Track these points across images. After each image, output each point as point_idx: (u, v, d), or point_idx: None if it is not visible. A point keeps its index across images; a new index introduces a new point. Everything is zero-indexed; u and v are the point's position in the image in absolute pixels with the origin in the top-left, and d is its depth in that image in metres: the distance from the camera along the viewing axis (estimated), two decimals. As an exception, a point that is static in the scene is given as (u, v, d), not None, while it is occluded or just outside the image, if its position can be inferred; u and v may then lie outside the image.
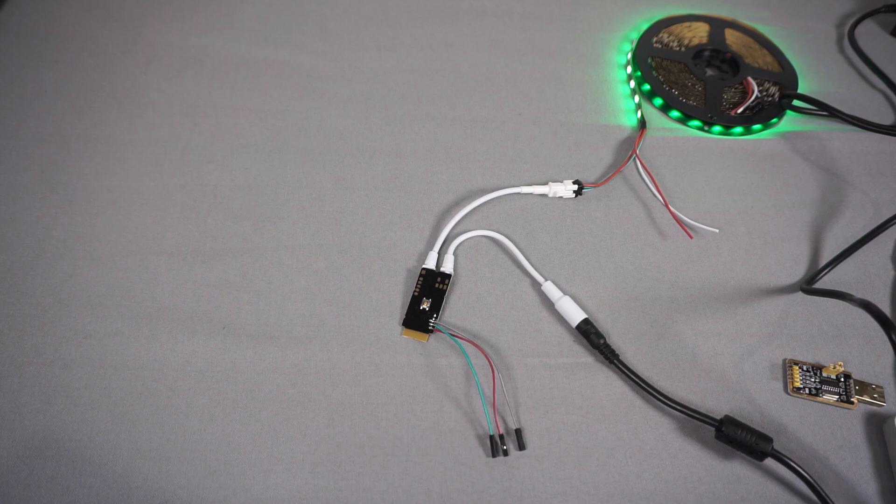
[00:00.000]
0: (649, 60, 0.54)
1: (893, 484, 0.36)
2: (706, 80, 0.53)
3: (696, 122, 0.51)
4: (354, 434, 0.36)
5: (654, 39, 0.56)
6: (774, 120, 0.51)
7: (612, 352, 0.39)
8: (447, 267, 0.42)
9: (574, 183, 0.46)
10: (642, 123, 0.51)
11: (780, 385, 0.39)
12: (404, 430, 0.37)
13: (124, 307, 0.40)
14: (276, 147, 0.48)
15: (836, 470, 0.36)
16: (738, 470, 0.36)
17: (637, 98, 0.52)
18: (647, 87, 0.53)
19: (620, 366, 0.38)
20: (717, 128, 0.51)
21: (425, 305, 0.40)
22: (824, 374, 0.39)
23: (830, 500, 0.34)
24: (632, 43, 0.56)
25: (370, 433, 0.36)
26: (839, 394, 0.38)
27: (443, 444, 0.36)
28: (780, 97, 0.52)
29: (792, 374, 0.39)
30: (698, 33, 0.57)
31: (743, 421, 0.36)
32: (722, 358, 0.40)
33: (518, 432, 0.36)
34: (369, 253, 0.43)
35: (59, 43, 0.53)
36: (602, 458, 0.36)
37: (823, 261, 0.44)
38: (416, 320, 0.40)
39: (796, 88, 0.53)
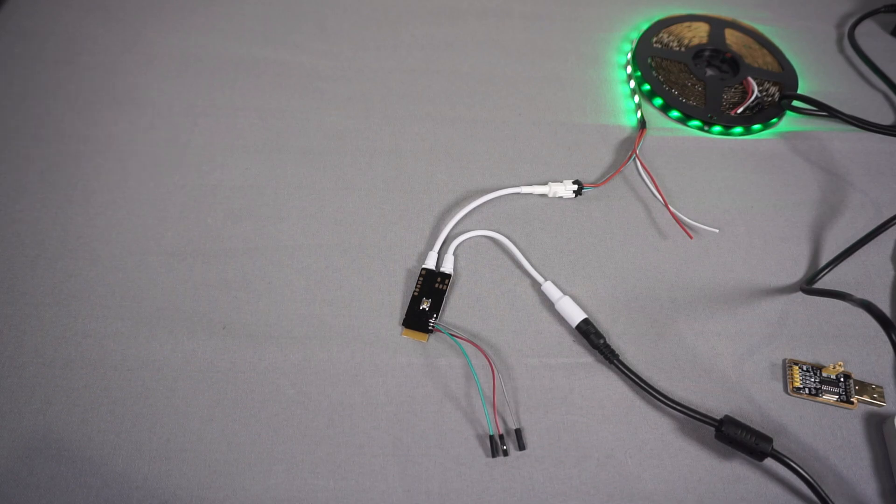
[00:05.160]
0: (649, 60, 0.54)
1: (893, 484, 0.36)
2: (706, 80, 0.53)
3: (696, 122, 0.51)
4: (354, 434, 0.36)
5: (654, 39, 0.56)
6: (774, 120, 0.51)
7: (612, 352, 0.39)
8: (447, 267, 0.42)
9: (574, 183, 0.46)
10: (642, 123, 0.50)
11: (779, 385, 0.39)
12: (404, 430, 0.37)
13: (124, 307, 0.40)
14: (276, 147, 0.48)
15: (835, 470, 0.36)
16: (738, 470, 0.36)
17: (637, 98, 0.52)
18: (647, 87, 0.53)
19: (620, 366, 0.38)
20: (717, 128, 0.51)
21: (425, 305, 0.40)
22: (824, 374, 0.39)
23: (830, 500, 0.34)
24: (632, 43, 0.56)
25: (370, 433, 0.36)
26: (839, 394, 0.38)
27: (443, 444, 0.36)
28: (780, 97, 0.52)
29: (792, 374, 0.39)
30: (698, 33, 0.57)
31: (743, 421, 0.36)
32: (722, 358, 0.40)
33: (518, 432, 0.36)
34: (369, 253, 0.43)
35: (59, 43, 0.53)
36: (602, 458, 0.36)
37: (823, 261, 0.44)
38: (416, 320, 0.40)
39: (796, 88, 0.53)
